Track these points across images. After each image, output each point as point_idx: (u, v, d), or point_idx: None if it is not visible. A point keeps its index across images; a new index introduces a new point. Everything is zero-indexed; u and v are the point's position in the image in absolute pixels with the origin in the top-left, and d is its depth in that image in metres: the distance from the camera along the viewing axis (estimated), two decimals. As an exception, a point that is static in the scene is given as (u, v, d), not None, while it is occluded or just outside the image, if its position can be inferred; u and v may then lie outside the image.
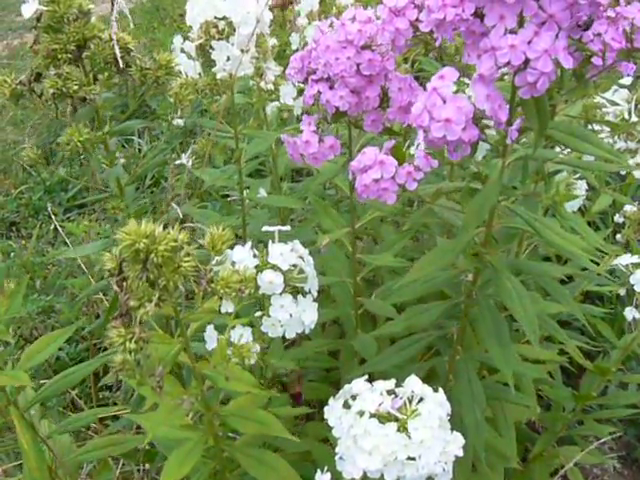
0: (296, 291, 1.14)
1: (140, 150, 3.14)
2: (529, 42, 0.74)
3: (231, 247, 1.09)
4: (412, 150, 0.92)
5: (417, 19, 0.89)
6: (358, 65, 1.00)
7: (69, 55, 1.10)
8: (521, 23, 0.77)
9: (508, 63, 0.75)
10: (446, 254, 1.04)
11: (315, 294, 1.15)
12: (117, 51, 1.09)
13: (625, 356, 1.63)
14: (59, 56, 1.10)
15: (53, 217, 2.50)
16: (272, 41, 1.29)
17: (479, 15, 0.78)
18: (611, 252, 1.78)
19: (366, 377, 0.98)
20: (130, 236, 0.84)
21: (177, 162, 1.37)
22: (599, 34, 0.81)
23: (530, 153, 0.96)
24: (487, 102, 0.77)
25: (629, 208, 1.81)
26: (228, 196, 1.85)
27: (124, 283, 0.89)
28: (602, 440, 1.77)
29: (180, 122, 1.39)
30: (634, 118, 1.41)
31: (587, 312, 1.78)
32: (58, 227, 2.26)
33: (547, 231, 1.02)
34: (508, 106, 0.84)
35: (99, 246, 1.38)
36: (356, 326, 1.47)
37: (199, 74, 1.29)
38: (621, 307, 1.59)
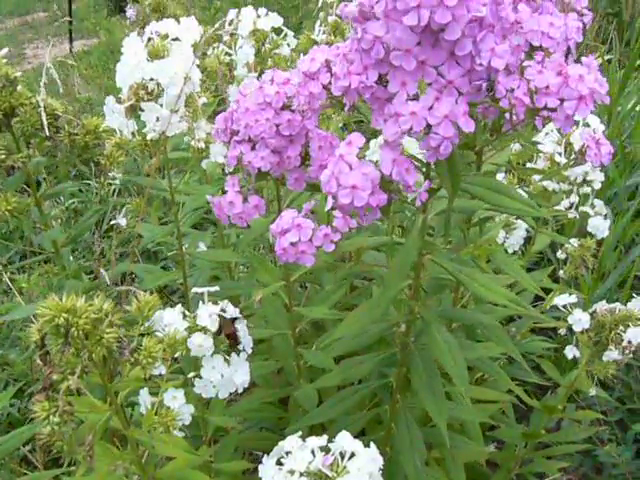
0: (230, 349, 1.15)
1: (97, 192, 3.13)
2: (430, 108, 0.76)
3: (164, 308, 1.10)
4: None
5: (330, 82, 0.91)
6: (277, 126, 1.01)
7: (-5, 125, 1.10)
8: (424, 89, 0.79)
9: (411, 129, 0.77)
10: (373, 309, 1.05)
11: (249, 350, 1.15)
12: (44, 119, 1.10)
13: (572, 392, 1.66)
14: (-17, 126, 1.10)
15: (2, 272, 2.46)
16: (202, 99, 1.31)
17: (383, 81, 0.80)
18: (555, 289, 1.82)
19: (299, 433, 0.98)
20: (50, 311, 0.84)
21: (113, 222, 1.37)
22: (512, 89, 0.84)
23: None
24: (394, 166, 0.79)
25: (571, 244, 1.84)
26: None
27: (47, 357, 0.89)
28: (553, 477, 1.78)
29: (116, 177, 1.39)
30: (563, 161, 1.44)
31: (531, 350, 1.81)
32: (8, 282, 2.23)
33: (472, 283, 1.04)
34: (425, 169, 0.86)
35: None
36: (299, 376, 1.47)
37: (132, 134, 1.30)
38: (570, 338, 1.61)
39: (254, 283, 1.50)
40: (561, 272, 1.89)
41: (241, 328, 1.13)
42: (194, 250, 1.47)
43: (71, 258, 1.45)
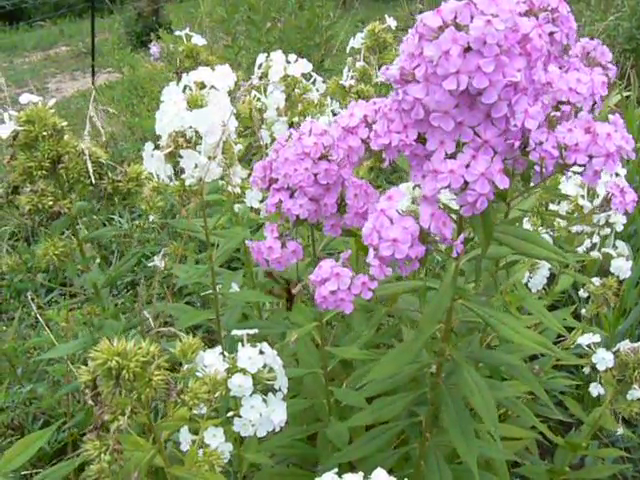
0: (267, 387, 1.18)
1: (122, 228, 3.19)
2: (467, 165, 0.81)
3: (204, 348, 1.15)
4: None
5: (369, 137, 0.96)
6: (315, 175, 1.06)
7: (44, 171, 1.16)
8: (461, 147, 0.84)
9: (449, 185, 0.81)
10: (406, 353, 1.09)
11: (285, 391, 1.19)
12: (90, 166, 1.15)
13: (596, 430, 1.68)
14: (34, 173, 1.15)
15: (33, 304, 2.52)
16: (238, 147, 1.36)
17: (422, 139, 0.85)
18: (577, 327, 1.84)
19: (336, 470, 1.01)
20: (103, 354, 0.89)
21: (150, 264, 1.42)
22: (541, 142, 0.88)
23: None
24: (432, 221, 0.84)
25: (593, 283, 1.87)
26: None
27: (98, 397, 0.93)
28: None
29: (152, 218, 1.45)
30: (587, 204, 1.48)
31: (554, 387, 1.83)
32: (38, 316, 2.28)
33: (502, 326, 1.08)
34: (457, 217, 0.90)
35: (77, 346, 1.41)
36: (329, 413, 1.50)
37: (169, 177, 1.35)
38: (594, 376, 1.64)
39: (283, 322, 1.54)
40: (583, 310, 1.92)
41: (278, 369, 1.17)
42: (227, 291, 1.52)
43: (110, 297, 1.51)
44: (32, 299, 2.82)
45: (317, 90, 1.83)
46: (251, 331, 1.16)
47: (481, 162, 0.80)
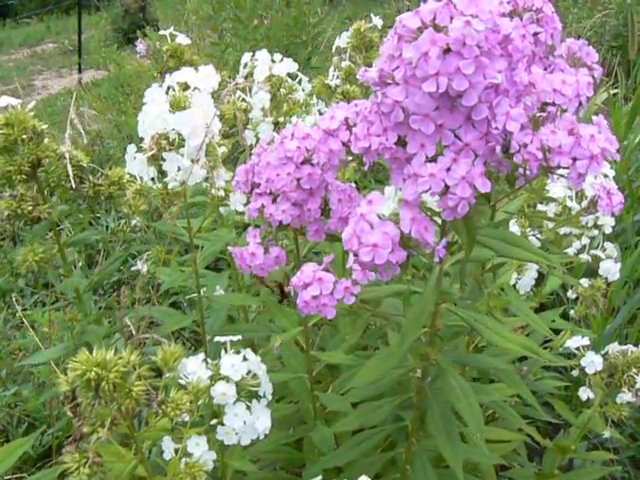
0: (251, 393, 1.17)
1: (107, 228, 3.17)
2: (448, 169, 0.79)
3: (189, 354, 1.13)
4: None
5: (350, 139, 0.95)
6: (298, 180, 1.05)
7: (23, 176, 1.14)
8: (442, 150, 0.82)
9: (430, 189, 0.80)
10: (391, 358, 1.08)
11: (269, 397, 1.17)
12: (70, 170, 1.13)
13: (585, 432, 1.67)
14: (13, 177, 1.13)
15: (17, 306, 2.50)
16: (222, 149, 1.34)
17: (402, 142, 0.83)
18: (565, 328, 1.83)
19: (319, 477, 1.00)
20: (81, 365, 0.87)
21: (133, 268, 1.40)
22: (525, 145, 0.87)
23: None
24: (413, 225, 0.82)
25: (581, 285, 1.86)
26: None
27: (77, 408, 0.91)
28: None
29: (136, 221, 1.43)
30: (575, 206, 1.47)
31: (543, 388, 1.82)
32: (23, 318, 2.26)
33: (487, 331, 1.06)
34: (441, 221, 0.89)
35: (59, 352, 1.39)
36: (315, 417, 1.49)
37: (152, 179, 1.33)
38: (582, 378, 1.64)
39: (269, 326, 1.52)
40: (572, 312, 1.91)
41: (262, 375, 1.15)
42: (212, 294, 1.50)
43: (93, 300, 1.49)
44: (17, 300, 2.80)
45: (303, 90, 1.81)
46: (234, 338, 1.14)
47: (462, 165, 0.79)
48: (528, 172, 0.90)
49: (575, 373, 1.63)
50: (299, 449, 1.61)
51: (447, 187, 0.79)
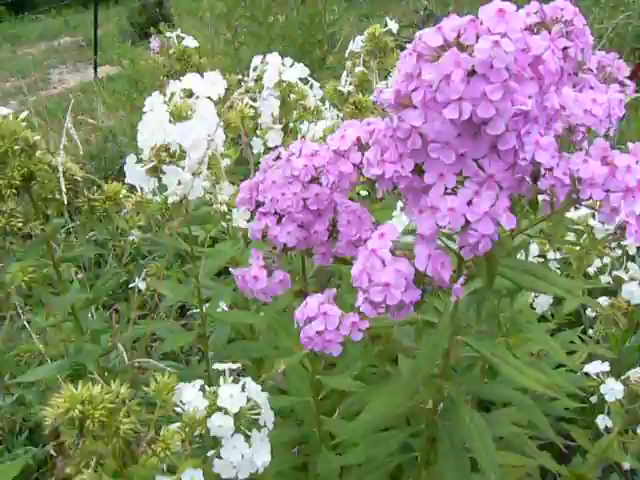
0: (251, 421, 1.10)
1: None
2: (469, 202, 0.72)
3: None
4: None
5: (362, 162, 0.87)
6: (305, 200, 0.97)
7: (14, 190, 1.07)
8: (463, 180, 0.74)
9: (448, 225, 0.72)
10: (400, 392, 1.01)
11: (271, 426, 1.10)
12: (62, 185, 1.06)
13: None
14: (3, 192, 1.06)
15: (20, 310, 2.44)
16: (225, 161, 1.27)
17: (419, 170, 0.76)
18: (583, 349, 1.76)
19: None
20: (65, 402, 0.80)
21: (131, 285, 1.34)
22: (550, 168, 0.79)
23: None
24: (429, 262, 0.75)
25: (601, 305, 1.78)
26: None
27: (61, 447, 0.85)
28: None
29: (136, 236, 1.36)
30: (598, 226, 1.39)
31: (558, 410, 1.74)
32: (26, 324, 2.20)
33: (504, 366, 0.99)
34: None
35: (53, 370, 1.33)
36: (320, 442, 1.42)
37: (153, 192, 1.27)
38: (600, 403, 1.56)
39: (276, 343, 1.46)
40: (591, 331, 1.83)
41: (263, 405, 1.08)
42: (215, 311, 1.43)
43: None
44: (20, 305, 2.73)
45: (314, 96, 1.73)
46: (234, 366, 1.07)
47: (485, 199, 0.71)
48: (554, 199, 0.83)
49: (594, 400, 1.55)
50: (304, 473, 1.54)
51: (468, 222, 0.72)
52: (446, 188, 0.73)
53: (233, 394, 1.02)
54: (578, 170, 0.78)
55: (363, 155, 0.88)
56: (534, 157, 0.71)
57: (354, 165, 0.89)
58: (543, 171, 0.78)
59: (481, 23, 0.68)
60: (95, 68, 8.44)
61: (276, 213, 1.00)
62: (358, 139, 0.90)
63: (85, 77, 9.14)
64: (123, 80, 6.38)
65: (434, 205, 0.73)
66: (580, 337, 1.79)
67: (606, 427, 1.48)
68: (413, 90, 0.70)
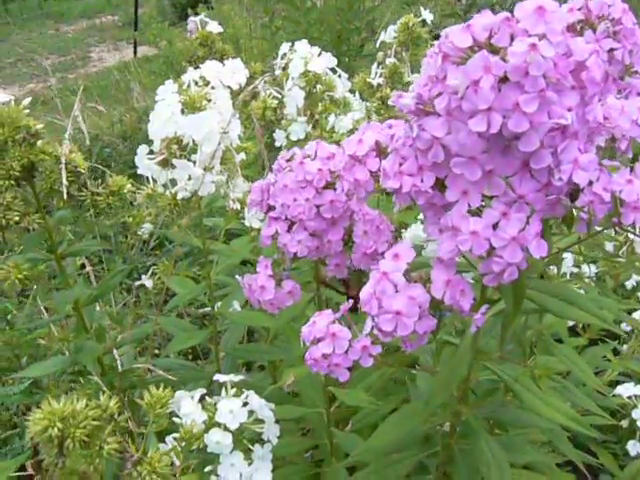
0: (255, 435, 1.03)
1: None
2: (495, 225, 0.64)
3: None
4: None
5: (379, 169, 0.79)
6: (318, 207, 0.90)
7: (12, 181, 1.00)
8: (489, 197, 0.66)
9: (471, 250, 0.64)
10: (416, 416, 0.93)
11: (275, 441, 1.03)
12: (64, 177, 1.00)
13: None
14: (2, 183, 1.00)
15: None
16: (240, 156, 1.19)
17: (441, 185, 0.68)
18: (614, 364, 1.66)
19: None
20: (43, 420, 0.74)
21: (137, 283, 1.27)
22: (590, 182, 0.70)
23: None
24: (447, 289, 0.67)
25: (638, 315, 1.68)
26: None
27: (40, 466, 0.79)
28: None
29: (147, 229, 1.29)
30: (637, 239, 1.29)
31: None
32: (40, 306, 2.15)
33: (527, 395, 0.91)
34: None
35: (54, 367, 1.27)
36: (331, 454, 1.35)
37: (164, 185, 1.19)
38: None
39: (289, 347, 1.39)
40: (625, 346, 1.73)
41: (267, 419, 1.01)
42: (227, 310, 1.36)
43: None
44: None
45: (342, 87, 1.65)
46: (236, 378, 1.00)
47: (513, 222, 0.63)
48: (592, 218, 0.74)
49: (625, 424, 1.46)
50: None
51: (492, 247, 0.63)
52: (469, 207, 0.65)
53: (233, 409, 0.95)
54: (621, 191, 0.69)
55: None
56: (571, 177, 0.62)
57: (371, 172, 0.81)
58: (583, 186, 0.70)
59: (517, 22, 0.59)
60: (135, 48, 8.40)
61: (287, 219, 0.93)
62: (377, 143, 0.81)
63: (124, 56, 9.13)
64: (160, 61, 6.33)
65: (455, 226, 0.64)
66: (616, 349, 1.69)
67: (637, 454, 1.39)
68: (436, 96, 0.62)
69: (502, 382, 0.96)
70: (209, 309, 1.38)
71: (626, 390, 1.39)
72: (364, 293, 0.69)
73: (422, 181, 0.67)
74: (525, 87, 0.57)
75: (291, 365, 1.42)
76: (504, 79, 0.58)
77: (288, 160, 0.95)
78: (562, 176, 0.62)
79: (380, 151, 0.81)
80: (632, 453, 1.39)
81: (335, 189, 0.90)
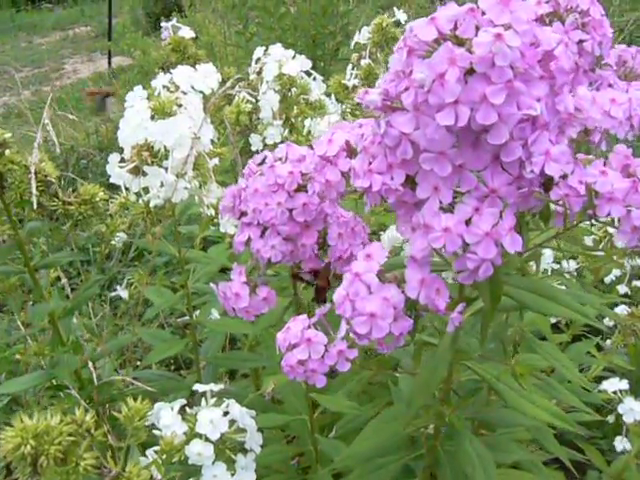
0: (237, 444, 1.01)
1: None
2: (468, 221, 0.62)
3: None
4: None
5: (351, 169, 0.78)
6: (291, 210, 0.88)
7: (-23, 192, 0.98)
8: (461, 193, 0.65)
9: (444, 247, 0.63)
10: (397, 420, 0.92)
11: (258, 450, 1.02)
12: (34, 187, 0.98)
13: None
14: (-34, 194, 0.98)
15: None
16: (214, 161, 1.18)
17: (411, 182, 0.66)
18: (599, 359, 1.65)
19: None
20: (16, 437, 0.72)
21: (113, 294, 1.25)
22: (564, 175, 0.69)
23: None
24: (422, 288, 0.65)
25: (620, 310, 1.68)
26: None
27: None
28: None
29: (122, 238, 1.27)
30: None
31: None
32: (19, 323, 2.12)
33: (510, 393, 0.90)
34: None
35: (29, 383, 1.25)
36: (316, 461, 1.33)
37: (136, 194, 1.17)
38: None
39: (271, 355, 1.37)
40: (608, 342, 1.73)
41: (249, 428, 0.99)
42: (206, 319, 1.34)
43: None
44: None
45: (317, 90, 1.64)
46: (215, 387, 0.98)
47: (486, 217, 0.62)
48: (567, 210, 0.73)
49: (610, 419, 1.45)
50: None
51: (466, 244, 0.62)
52: (441, 204, 0.63)
53: (214, 419, 0.93)
54: (595, 182, 0.68)
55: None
56: (543, 169, 0.61)
57: (342, 173, 0.79)
58: (557, 178, 0.69)
59: (482, 13, 0.58)
60: (109, 58, 8.36)
61: (260, 224, 0.91)
62: (347, 143, 0.80)
63: (99, 67, 9.09)
64: (134, 71, 6.30)
65: (427, 223, 0.63)
66: (599, 345, 1.69)
67: (624, 449, 1.38)
68: (403, 91, 0.61)
69: (484, 382, 0.95)
70: (188, 318, 1.36)
71: (611, 385, 1.39)
72: (337, 295, 0.67)
73: (392, 179, 0.65)
74: (492, 78, 0.56)
75: (272, 372, 1.41)
76: (470, 71, 0.57)
77: (259, 164, 0.93)
78: (534, 168, 0.61)
79: (350, 151, 0.80)
80: (618, 449, 1.38)
81: (307, 192, 0.88)
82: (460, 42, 0.58)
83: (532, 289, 0.82)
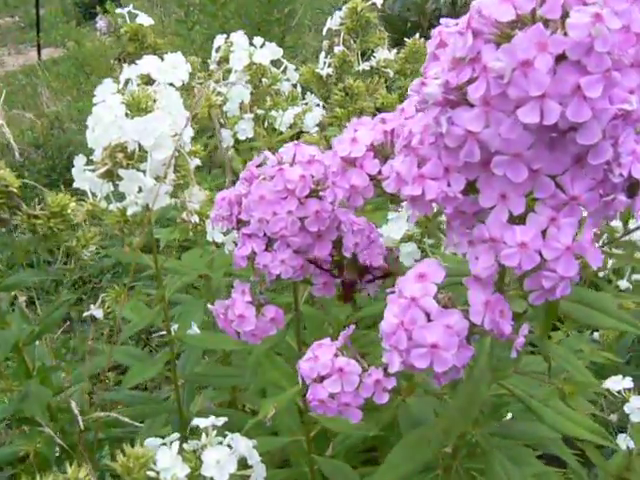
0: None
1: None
2: (543, 232, 0.53)
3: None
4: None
5: (380, 172, 0.68)
6: (302, 220, 0.78)
7: None
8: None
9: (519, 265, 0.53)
10: (425, 447, 0.82)
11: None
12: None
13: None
14: None
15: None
16: (195, 162, 1.06)
17: (469, 187, 0.57)
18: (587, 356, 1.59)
19: None
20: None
21: (86, 314, 1.13)
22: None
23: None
24: (486, 312, 0.56)
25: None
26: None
27: None
28: None
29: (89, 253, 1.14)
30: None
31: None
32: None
33: (547, 411, 0.82)
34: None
35: (1, 412, 1.12)
36: (312, 481, 1.24)
37: (106, 197, 1.05)
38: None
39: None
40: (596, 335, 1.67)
41: (254, 460, 0.89)
42: (184, 334, 1.23)
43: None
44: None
45: (288, 80, 1.53)
46: (218, 421, 0.87)
47: (565, 229, 0.52)
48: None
49: (614, 418, 1.40)
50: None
51: (543, 260, 0.53)
52: (510, 214, 0.54)
53: (220, 459, 0.82)
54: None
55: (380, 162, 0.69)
56: (631, 172, 0.52)
57: (370, 177, 0.69)
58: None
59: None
60: (38, 50, 8.02)
61: (264, 235, 0.80)
62: (372, 143, 0.70)
63: (28, 60, 8.72)
64: (68, 63, 6.05)
65: (494, 237, 0.54)
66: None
67: (628, 448, 1.32)
68: (469, 81, 0.51)
69: (515, 398, 0.87)
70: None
71: (616, 384, 1.32)
72: (387, 324, 0.57)
73: (449, 185, 0.55)
74: (588, 67, 0.47)
75: (261, 389, 1.30)
76: (560, 58, 0.47)
77: (258, 166, 0.83)
78: (622, 171, 0.52)
79: (376, 150, 0.70)
80: (622, 447, 1.32)
81: (319, 197, 0.78)
82: (544, 24, 0.48)
83: (577, 298, 0.74)
